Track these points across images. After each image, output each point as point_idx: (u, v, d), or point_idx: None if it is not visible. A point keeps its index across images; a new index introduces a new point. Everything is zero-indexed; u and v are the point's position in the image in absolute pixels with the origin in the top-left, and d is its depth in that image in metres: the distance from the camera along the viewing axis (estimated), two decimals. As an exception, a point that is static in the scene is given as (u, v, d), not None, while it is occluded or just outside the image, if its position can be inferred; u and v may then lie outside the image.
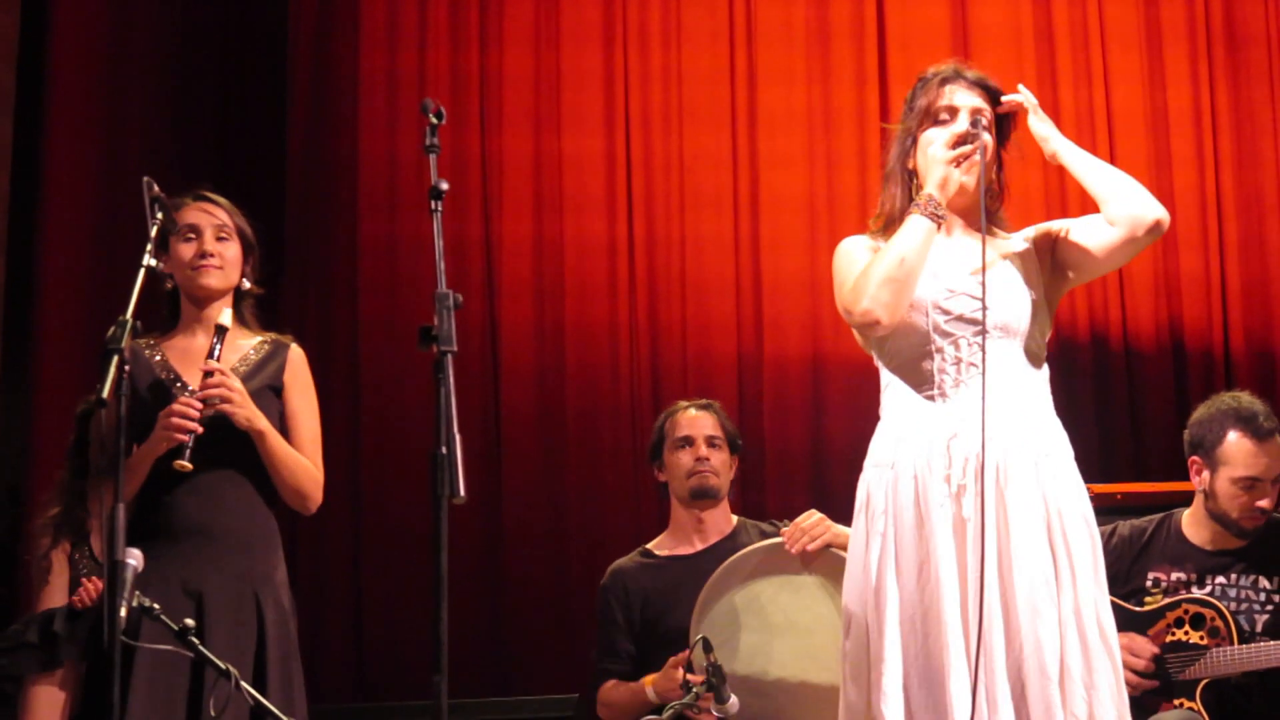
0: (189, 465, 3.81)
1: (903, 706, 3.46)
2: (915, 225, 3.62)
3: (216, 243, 4.02)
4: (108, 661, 3.26)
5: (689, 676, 4.17)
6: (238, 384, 3.94)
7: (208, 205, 4.05)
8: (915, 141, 3.75)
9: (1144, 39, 7.15)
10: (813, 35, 7.18)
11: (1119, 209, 3.65)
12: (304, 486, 4.00)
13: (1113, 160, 6.95)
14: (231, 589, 3.90)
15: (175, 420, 3.83)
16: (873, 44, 7.12)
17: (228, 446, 3.95)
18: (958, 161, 3.65)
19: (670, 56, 7.17)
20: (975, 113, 3.71)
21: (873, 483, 3.63)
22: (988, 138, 3.68)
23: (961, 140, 3.66)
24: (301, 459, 4.02)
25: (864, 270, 3.64)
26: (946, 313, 3.62)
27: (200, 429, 3.84)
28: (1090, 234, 3.72)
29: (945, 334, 3.61)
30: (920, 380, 3.63)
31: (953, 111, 3.72)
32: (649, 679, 4.60)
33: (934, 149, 3.67)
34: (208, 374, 3.92)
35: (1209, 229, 6.99)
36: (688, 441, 4.92)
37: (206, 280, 4.01)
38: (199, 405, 3.87)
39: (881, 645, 3.50)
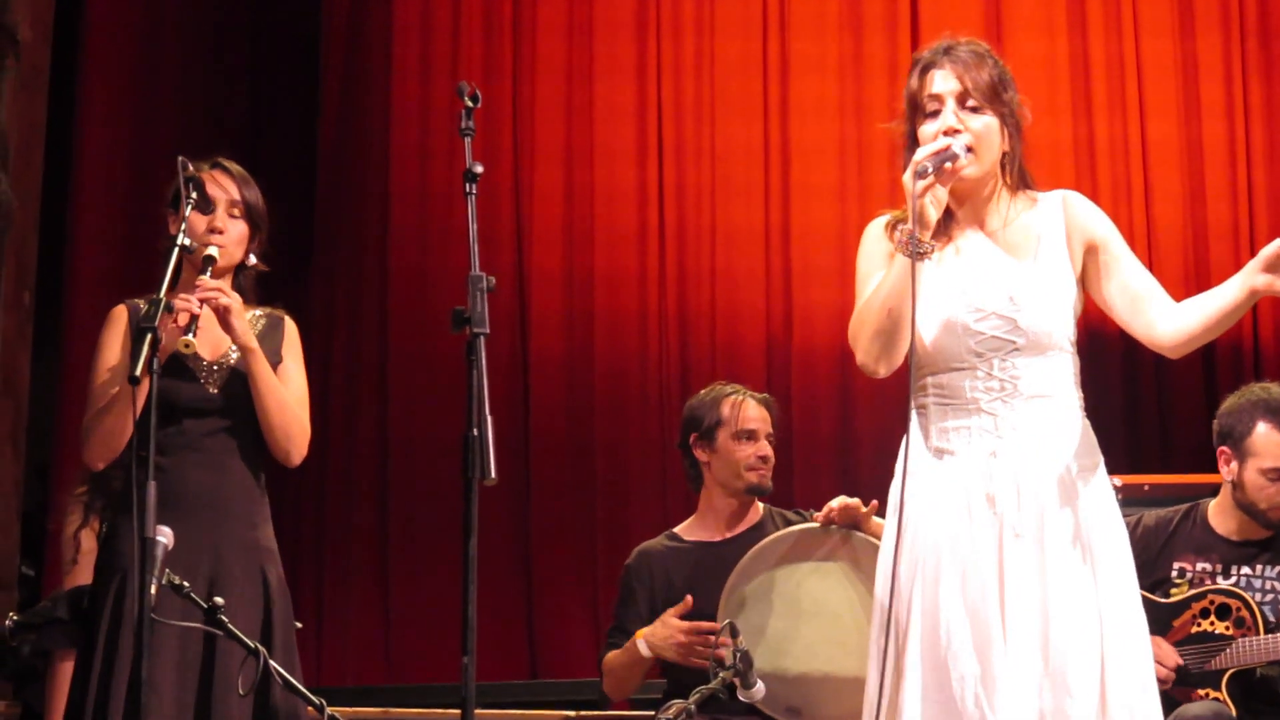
0: (194, 342, 3.79)
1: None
2: (898, 268, 3.45)
3: (228, 219, 4.03)
4: (137, 638, 3.31)
5: (717, 651, 4.13)
6: (237, 298, 3.93)
7: (223, 177, 4.06)
8: (915, 139, 3.54)
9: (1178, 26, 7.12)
10: (845, 26, 7.19)
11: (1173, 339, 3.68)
12: (290, 427, 3.96)
13: (1144, 141, 6.95)
14: (243, 562, 3.92)
15: (179, 302, 3.80)
16: (905, 35, 7.12)
17: (235, 417, 3.95)
18: (929, 188, 3.42)
19: (703, 46, 7.19)
20: (945, 99, 3.51)
21: (909, 490, 3.49)
22: (960, 147, 3.47)
23: (936, 155, 3.42)
24: (289, 397, 4.01)
25: (858, 312, 3.54)
26: (978, 334, 3.51)
27: (199, 311, 3.82)
28: (1125, 294, 3.65)
29: (978, 354, 3.51)
30: (956, 393, 3.53)
31: (938, 100, 3.53)
32: (641, 631, 4.54)
33: (905, 177, 3.44)
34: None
35: (1239, 217, 6.95)
36: (751, 436, 4.75)
37: (211, 253, 3.99)
38: (199, 300, 3.84)
39: (904, 655, 3.41)
